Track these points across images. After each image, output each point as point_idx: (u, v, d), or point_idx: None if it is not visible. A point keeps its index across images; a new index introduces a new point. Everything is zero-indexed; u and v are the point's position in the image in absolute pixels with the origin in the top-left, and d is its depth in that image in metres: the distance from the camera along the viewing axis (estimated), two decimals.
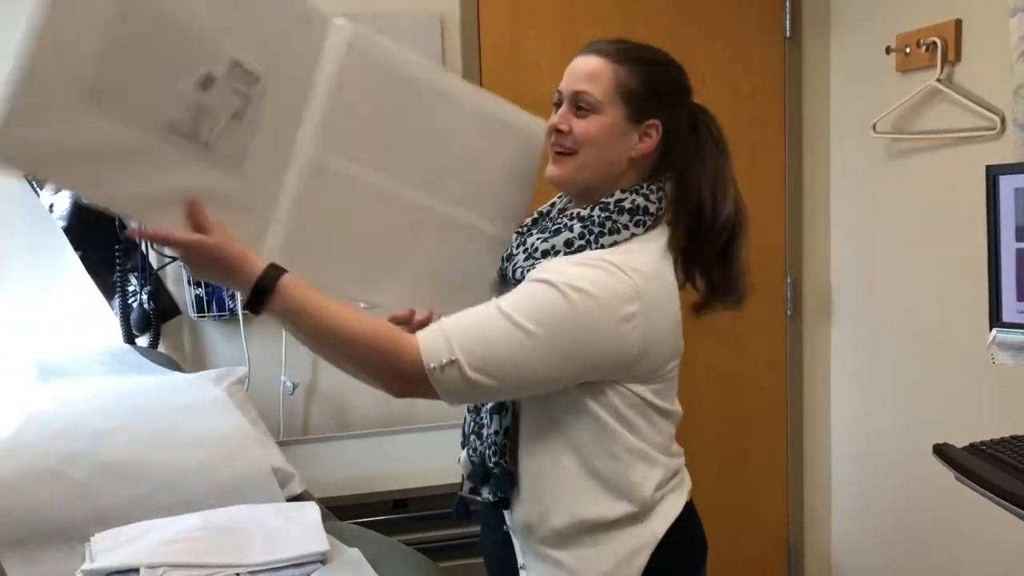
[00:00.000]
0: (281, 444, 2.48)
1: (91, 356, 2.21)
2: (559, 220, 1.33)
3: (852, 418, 2.84)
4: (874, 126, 2.54)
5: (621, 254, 1.28)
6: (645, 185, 1.34)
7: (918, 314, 2.48)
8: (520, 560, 1.36)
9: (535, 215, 1.47)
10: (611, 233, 1.30)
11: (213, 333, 2.53)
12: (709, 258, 1.36)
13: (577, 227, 1.30)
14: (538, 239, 1.32)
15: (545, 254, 1.30)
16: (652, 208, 1.33)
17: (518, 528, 1.35)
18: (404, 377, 1.20)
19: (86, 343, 2.38)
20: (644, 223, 1.32)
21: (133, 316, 2.44)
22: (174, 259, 2.47)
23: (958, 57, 2.27)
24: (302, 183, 1.26)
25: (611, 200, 1.32)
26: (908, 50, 2.41)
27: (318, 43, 1.26)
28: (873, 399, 2.71)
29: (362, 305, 1.34)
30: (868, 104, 2.62)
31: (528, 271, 1.29)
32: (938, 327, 2.40)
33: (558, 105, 1.34)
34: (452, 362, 1.18)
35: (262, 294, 1.17)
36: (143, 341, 2.46)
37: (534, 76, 2.63)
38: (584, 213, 1.32)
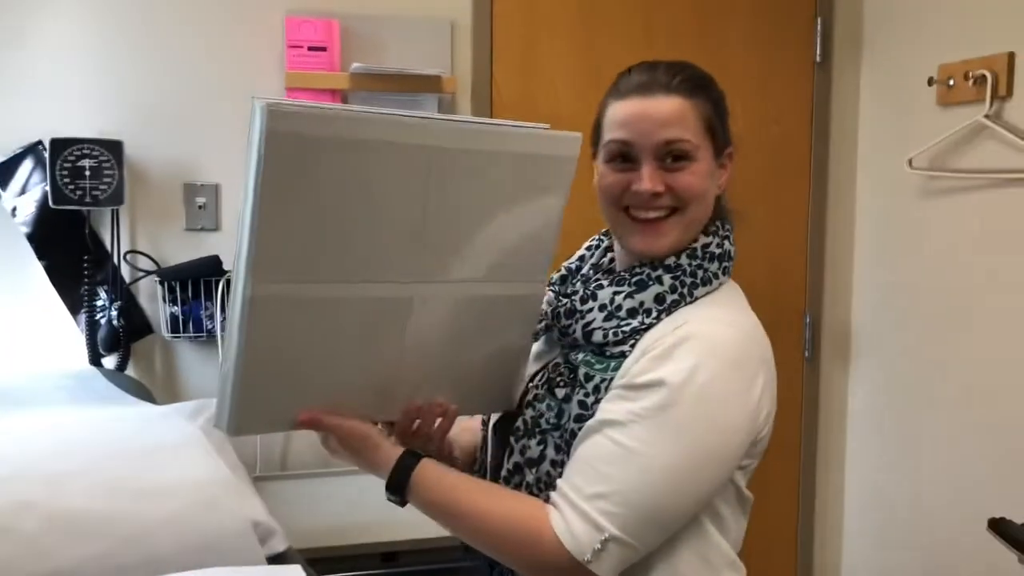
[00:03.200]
0: (257, 480, 2.28)
1: (52, 380, 1.99)
2: (639, 271, 1.14)
3: (869, 478, 2.66)
4: (910, 161, 2.38)
5: (732, 312, 1.11)
6: (720, 224, 1.19)
7: (951, 367, 2.31)
8: None
9: (562, 271, 1.27)
10: (704, 284, 1.13)
11: (188, 355, 2.31)
12: None
13: (667, 279, 1.12)
14: (616, 294, 1.12)
15: (633, 313, 1.10)
16: (733, 250, 1.18)
17: None
18: (558, 571, 1.02)
19: (47, 363, 2.16)
20: (729, 269, 1.17)
21: (101, 333, 2.22)
22: (148, 273, 2.26)
23: (1010, 92, 2.12)
24: (242, 326, 1.00)
25: (698, 245, 1.15)
26: (952, 82, 2.26)
27: (251, 143, 0.96)
28: (893, 457, 2.54)
29: None
30: (902, 137, 2.46)
31: (612, 333, 1.10)
32: (975, 382, 2.24)
33: (623, 158, 1.13)
34: (607, 541, 0.99)
35: (397, 490, 1.12)
36: (110, 362, 2.24)
37: (547, 91, 2.46)
38: (670, 262, 1.13)
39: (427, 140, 1.02)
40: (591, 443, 1.05)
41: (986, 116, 2.14)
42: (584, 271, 1.26)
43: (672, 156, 1.11)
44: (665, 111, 1.10)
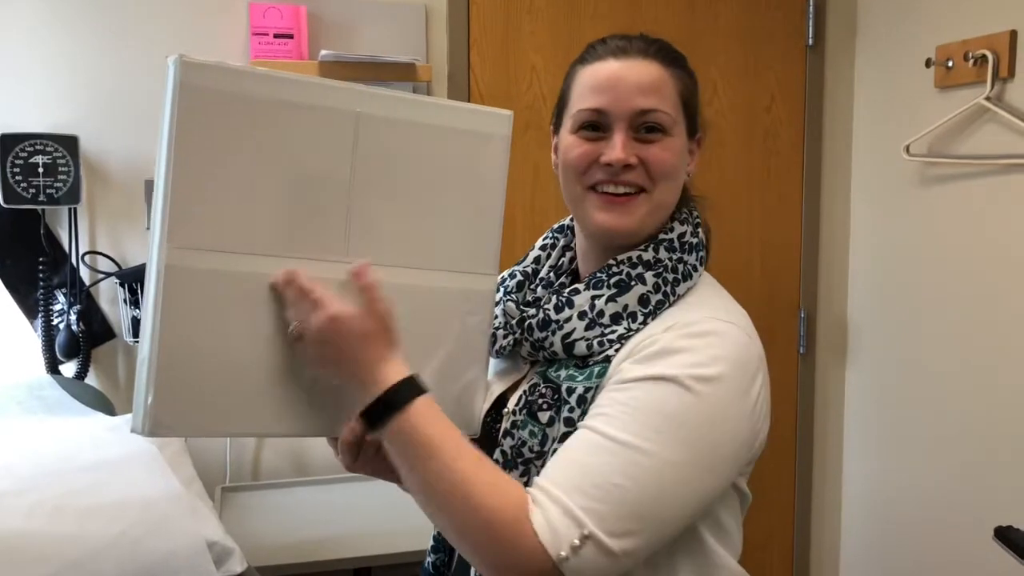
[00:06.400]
0: (226, 491, 2.17)
1: (2, 391, 1.88)
2: (616, 271, 1.03)
3: (867, 477, 2.56)
4: (907, 148, 2.27)
5: (725, 307, 1.02)
6: (687, 212, 1.09)
7: (951, 361, 2.21)
8: None
9: (518, 276, 1.14)
10: (685, 279, 1.04)
11: None
12: None
13: (650, 278, 1.01)
14: (596, 298, 1.01)
15: (616, 318, 1.00)
16: (703, 238, 1.09)
17: None
18: (524, 572, 0.86)
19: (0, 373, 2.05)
20: (704, 260, 1.07)
21: (59, 340, 2.11)
22: (109, 275, 2.15)
23: (1011, 73, 2.01)
24: (157, 300, 0.91)
25: (674, 236, 1.05)
26: (951, 63, 2.15)
27: (165, 102, 0.92)
28: (892, 455, 2.44)
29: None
30: (898, 122, 2.36)
31: (598, 343, 0.99)
32: (977, 377, 2.13)
33: (592, 127, 1.03)
34: (586, 538, 0.84)
35: (386, 410, 0.90)
36: (69, 369, 2.13)
37: (527, 78, 2.35)
38: (648, 257, 1.03)
39: (351, 105, 0.97)
40: (576, 437, 0.93)
41: (987, 98, 2.04)
42: (543, 274, 1.15)
43: (646, 127, 1.01)
44: (643, 76, 1.01)
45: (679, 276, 1.03)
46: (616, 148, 1.00)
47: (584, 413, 0.96)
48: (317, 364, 0.94)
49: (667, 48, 1.05)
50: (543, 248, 1.17)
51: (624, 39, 1.05)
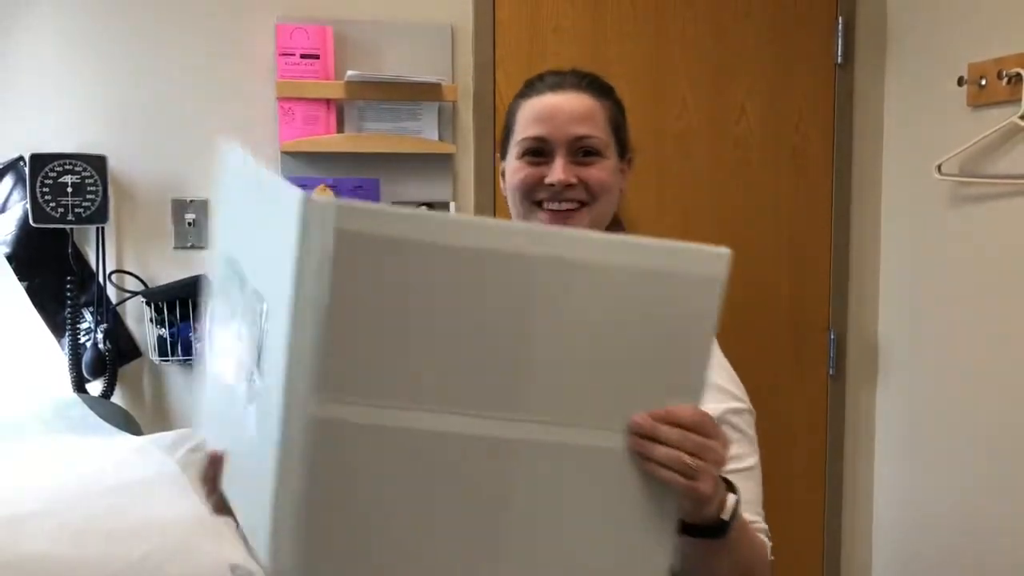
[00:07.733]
0: None
1: (27, 409, 1.89)
2: None
3: (899, 504, 2.51)
4: (939, 167, 2.24)
5: None
6: (620, 229, 1.25)
7: (985, 384, 2.17)
8: None
9: None
10: None
11: (178, 380, 2.20)
12: None
13: None
14: None
15: None
16: None
17: None
18: None
19: (28, 391, 2.06)
20: None
21: (85, 358, 2.12)
22: (135, 294, 2.15)
23: None
24: (303, 459, 0.82)
25: None
26: (984, 81, 2.12)
27: (292, 235, 0.81)
28: (925, 481, 2.39)
29: None
30: (930, 142, 2.32)
31: None
32: (1012, 401, 2.09)
33: (535, 153, 1.17)
34: (769, 538, 1.16)
35: (724, 527, 0.94)
36: (96, 387, 2.13)
37: None
38: None
39: (526, 248, 0.85)
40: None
41: (1021, 117, 2.01)
42: None
43: (583, 151, 1.16)
44: (577, 107, 1.16)
45: None
46: (557, 170, 1.14)
47: None
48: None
49: (597, 81, 1.20)
50: None
51: (558, 75, 1.20)
